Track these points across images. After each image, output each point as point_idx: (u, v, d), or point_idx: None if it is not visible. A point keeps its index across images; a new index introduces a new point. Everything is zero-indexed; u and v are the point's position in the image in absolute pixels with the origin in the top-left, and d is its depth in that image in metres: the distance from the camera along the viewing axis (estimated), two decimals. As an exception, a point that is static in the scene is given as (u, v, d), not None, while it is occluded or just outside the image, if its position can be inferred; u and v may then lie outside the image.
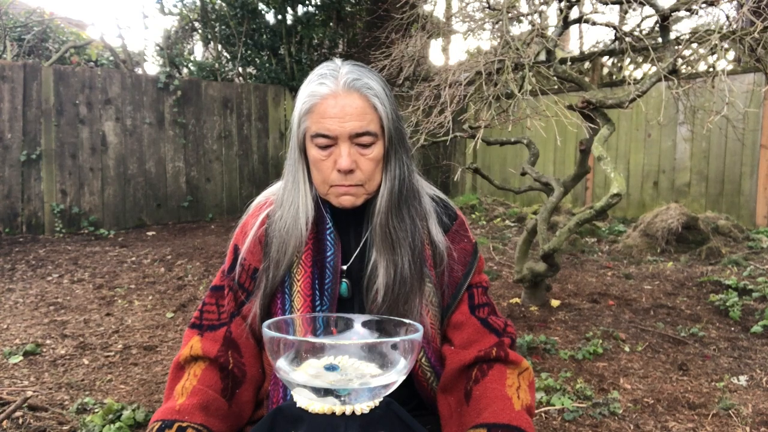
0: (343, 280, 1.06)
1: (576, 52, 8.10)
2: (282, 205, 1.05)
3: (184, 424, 0.91)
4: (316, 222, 1.05)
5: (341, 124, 0.96)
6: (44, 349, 2.70)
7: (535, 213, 6.27)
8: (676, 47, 2.69)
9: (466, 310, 1.07)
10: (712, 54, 2.83)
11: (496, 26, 3.08)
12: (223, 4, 8.03)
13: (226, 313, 1.07)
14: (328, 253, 1.04)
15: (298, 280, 1.04)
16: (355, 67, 1.01)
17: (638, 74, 6.82)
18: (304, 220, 1.03)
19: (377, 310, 1.01)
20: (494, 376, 0.99)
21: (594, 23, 2.91)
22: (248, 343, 1.07)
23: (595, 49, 3.75)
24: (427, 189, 1.13)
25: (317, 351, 0.82)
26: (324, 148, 0.99)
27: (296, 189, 1.04)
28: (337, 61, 1.03)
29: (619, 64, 7.04)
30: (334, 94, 0.97)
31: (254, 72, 8.24)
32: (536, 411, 2.05)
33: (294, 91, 7.78)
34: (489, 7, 3.06)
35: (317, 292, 1.03)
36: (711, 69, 2.96)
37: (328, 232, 1.05)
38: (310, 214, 1.04)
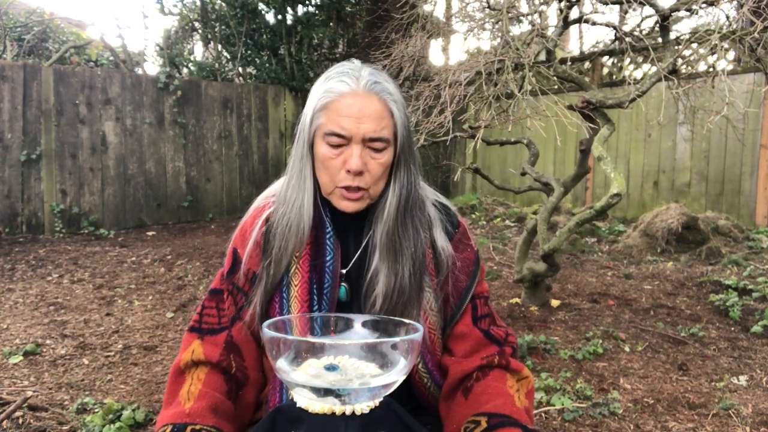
0: (342, 284, 1.05)
1: (576, 52, 8.11)
2: (285, 202, 1.03)
3: (197, 427, 0.90)
4: (316, 226, 1.04)
5: (357, 125, 0.95)
6: (44, 349, 2.70)
7: (535, 213, 6.27)
8: (676, 47, 2.69)
9: (469, 321, 1.07)
10: (712, 54, 2.83)
11: (496, 26, 3.08)
12: (223, 4, 8.03)
13: (226, 317, 1.06)
14: (328, 258, 1.03)
15: (296, 285, 1.03)
16: (375, 71, 1.00)
17: (638, 74, 6.81)
18: (307, 218, 1.02)
19: None
20: (495, 377, 1.00)
21: (594, 23, 2.91)
22: (250, 347, 1.06)
23: (595, 49, 3.75)
24: (430, 195, 1.12)
25: (317, 351, 0.82)
26: (335, 146, 0.97)
27: (302, 186, 1.02)
28: (356, 62, 1.02)
29: (619, 64, 7.04)
30: (353, 93, 0.96)
31: (254, 72, 8.24)
32: (536, 411, 2.05)
33: (294, 90, 7.78)
34: (489, 7, 3.06)
35: (315, 296, 1.02)
36: (711, 69, 2.96)
37: (327, 236, 1.04)
38: (312, 213, 1.03)
